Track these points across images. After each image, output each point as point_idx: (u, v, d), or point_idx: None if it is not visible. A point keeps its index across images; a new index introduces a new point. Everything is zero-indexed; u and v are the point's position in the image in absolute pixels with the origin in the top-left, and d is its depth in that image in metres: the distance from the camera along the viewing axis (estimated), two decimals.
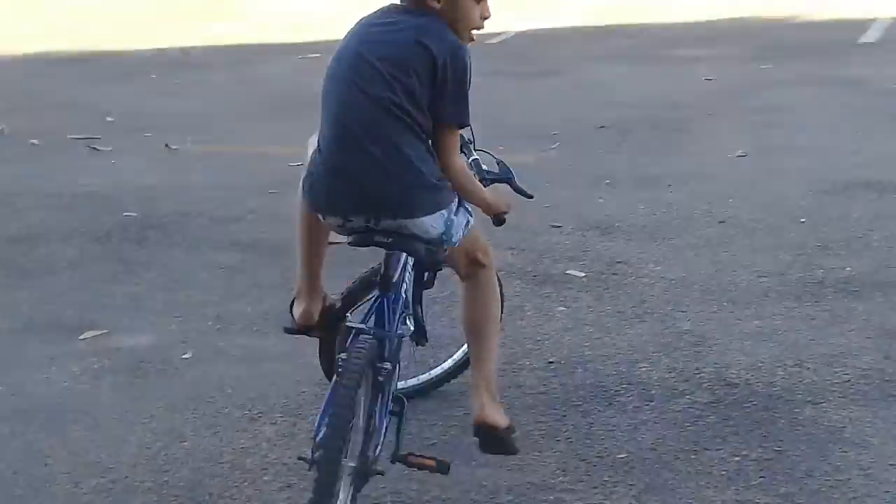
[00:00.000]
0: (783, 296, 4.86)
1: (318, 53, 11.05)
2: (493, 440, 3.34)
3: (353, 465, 3.03)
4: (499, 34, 11.87)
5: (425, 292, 3.58)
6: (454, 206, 3.16)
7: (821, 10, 12.40)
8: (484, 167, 3.45)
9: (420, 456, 3.27)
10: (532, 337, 4.54)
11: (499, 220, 3.38)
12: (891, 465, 3.50)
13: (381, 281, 3.22)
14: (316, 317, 3.47)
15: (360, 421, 3.05)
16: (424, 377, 4.00)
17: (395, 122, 3.05)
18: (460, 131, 3.24)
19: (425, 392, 3.98)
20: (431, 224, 3.11)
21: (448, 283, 3.91)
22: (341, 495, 2.99)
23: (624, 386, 4.08)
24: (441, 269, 3.51)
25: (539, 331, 4.61)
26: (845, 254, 5.29)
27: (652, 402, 3.96)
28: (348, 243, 3.21)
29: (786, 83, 8.96)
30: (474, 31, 3.20)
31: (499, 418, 3.33)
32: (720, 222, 5.83)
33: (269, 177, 6.77)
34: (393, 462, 3.25)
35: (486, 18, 3.20)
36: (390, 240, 3.12)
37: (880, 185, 6.26)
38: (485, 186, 3.36)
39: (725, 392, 4.01)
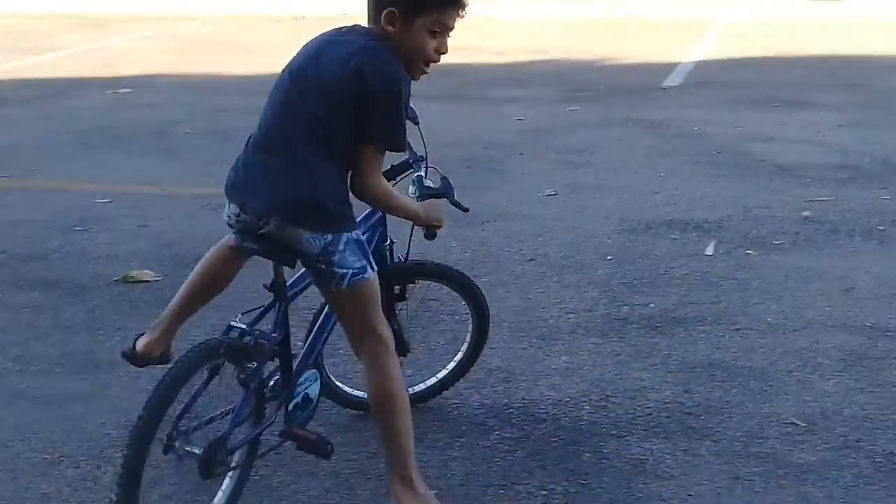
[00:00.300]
0: (590, 332, 4.97)
1: (129, 89, 10.88)
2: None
3: (195, 451, 3.12)
4: None
5: None
6: (345, 238, 3.21)
7: (627, 54, 12.80)
8: (427, 182, 3.67)
9: (305, 432, 3.45)
10: (346, 376, 4.53)
11: (430, 233, 3.57)
12: (689, 495, 3.61)
13: (273, 286, 3.34)
14: (156, 355, 3.49)
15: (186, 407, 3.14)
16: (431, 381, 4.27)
17: (314, 138, 3.15)
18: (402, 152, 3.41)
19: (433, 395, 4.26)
20: (309, 241, 3.18)
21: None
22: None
23: (435, 423, 4.11)
24: (413, 283, 3.91)
25: (352, 370, 4.60)
26: (649, 290, 5.46)
27: (462, 438, 4.00)
28: (230, 246, 3.37)
29: (593, 124, 9.21)
30: (431, 64, 3.24)
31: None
32: (530, 260, 5.94)
33: (75, 213, 6.61)
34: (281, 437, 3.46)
35: (441, 53, 3.23)
36: (263, 246, 3.25)
37: (681, 224, 6.48)
38: (422, 201, 3.55)
39: (534, 427, 4.08)
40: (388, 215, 3.64)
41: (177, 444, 3.10)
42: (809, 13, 15.42)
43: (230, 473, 3.34)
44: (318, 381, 3.58)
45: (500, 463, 3.82)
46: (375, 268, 3.32)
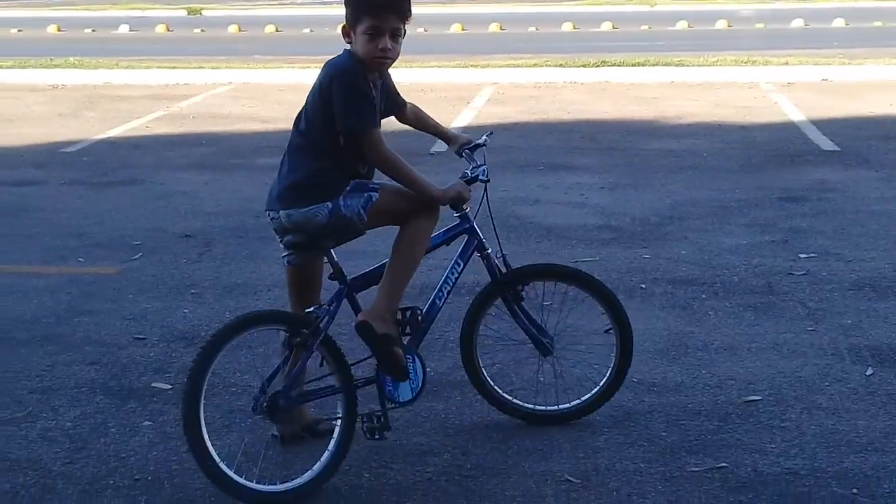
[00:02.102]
0: (368, 398, 4.96)
1: None
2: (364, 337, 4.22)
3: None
4: (77, 142, 11.60)
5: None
6: (341, 200, 4.11)
7: (394, 120, 12.96)
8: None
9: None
10: (117, 454, 4.43)
11: (455, 206, 4.37)
12: None
13: (333, 276, 4.25)
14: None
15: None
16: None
17: (298, 138, 4.18)
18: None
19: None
20: (307, 216, 4.11)
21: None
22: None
23: (211, 499, 4.03)
24: (526, 285, 4.57)
25: (124, 447, 4.49)
26: (425, 355, 5.45)
27: None
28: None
29: None
30: (378, 59, 4.11)
31: (376, 325, 4.18)
32: None
33: None
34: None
35: (382, 49, 4.08)
36: (295, 248, 4.25)
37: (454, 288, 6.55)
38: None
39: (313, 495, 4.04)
40: (477, 230, 4.47)
41: (264, 404, 4.03)
42: (567, 76, 15.99)
43: (337, 426, 4.20)
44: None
45: None
46: (377, 186, 4.17)
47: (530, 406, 4.75)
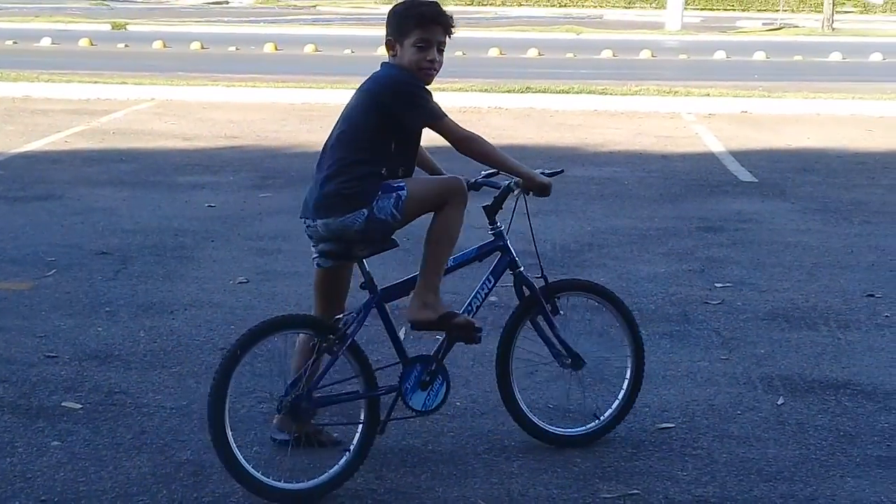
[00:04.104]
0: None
1: None
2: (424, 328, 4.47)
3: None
4: None
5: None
6: (374, 204, 4.26)
7: (319, 140, 12.91)
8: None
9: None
10: (23, 474, 4.35)
11: (543, 191, 4.46)
12: None
13: (364, 285, 4.38)
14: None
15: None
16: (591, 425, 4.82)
17: (335, 151, 4.34)
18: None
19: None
20: (345, 224, 4.26)
21: None
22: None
23: None
24: (558, 298, 4.71)
25: (30, 467, 4.41)
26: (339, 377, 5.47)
27: None
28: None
29: (285, 210, 9.22)
30: (426, 70, 4.34)
31: (425, 314, 4.38)
32: (221, 349, 5.84)
33: None
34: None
35: (430, 60, 4.33)
36: (329, 255, 4.36)
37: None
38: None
39: None
40: (510, 248, 4.64)
41: (287, 405, 4.22)
42: (492, 101, 16.08)
43: (358, 429, 4.33)
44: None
45: None
46: (403, 183, 4.31)
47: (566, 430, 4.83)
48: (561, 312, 4.75)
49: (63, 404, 5.08)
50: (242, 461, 4.14)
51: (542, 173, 4.53)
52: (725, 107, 15.98)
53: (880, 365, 5.85)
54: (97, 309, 6.50)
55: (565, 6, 48.95)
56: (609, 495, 4.33)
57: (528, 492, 4.34)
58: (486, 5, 49.15)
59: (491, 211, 4.62)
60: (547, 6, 48.71)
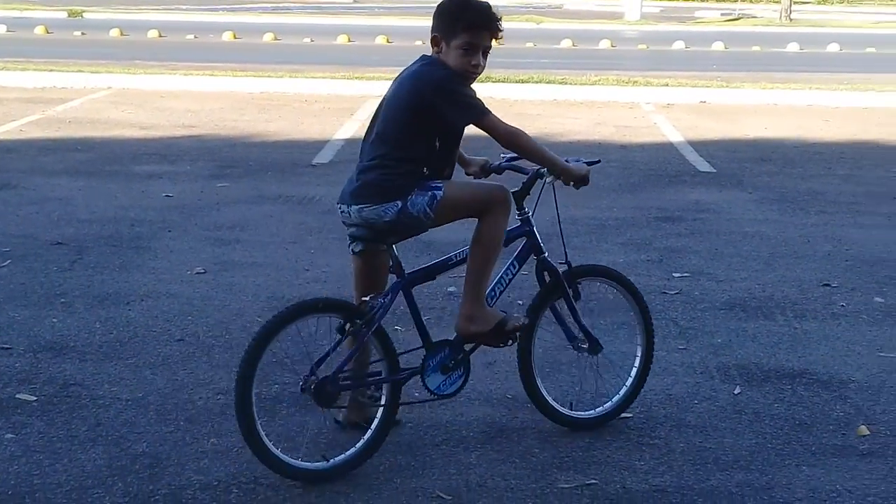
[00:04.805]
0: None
1: None
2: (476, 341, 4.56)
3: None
4: None
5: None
6: (409, 198, 4.31)
7: (278, 130, 12.87)
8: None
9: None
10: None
11: (581, 181, 4.54)
12: None
13: (391, 269, 4.46)
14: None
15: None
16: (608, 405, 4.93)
17: (378, 143, 4.36)
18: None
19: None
20: (377, 213, 4.32)
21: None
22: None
23: None
24: (579, 283, 4.81)
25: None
26: (300, 369, 5.43)
27: None
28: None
29: (244, 200, 9.19)
30: (469, 73, 4.36)
31: (475, 327, 4.49)
32: (178, 340, 5.83)
33: None
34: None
35: (475, 65, 4.35)
36: (361, 240, 4.46)
37: None
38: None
39: None
40: (536, 234, 4.72)
41: (312, 386, 4.26)
42: None
43: (379, 411, 4.42)
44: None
45: None
46: (442, 184, 4.36)
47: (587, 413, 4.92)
48: (581, 297, 4.84)
49: (17, 396, 5.03)
50: (266, 441, 4.22)
51: (582, 161, 4.62)
52: (684, 97, 16.04)
53: (836, 354, 5.89)
54: (52, 300, 6.44)
55: None
56: (567, 485, 4.34)
57: (487, 482, 4.34)
58: None
59: (519, 196, 4.69)
60: None
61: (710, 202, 9.48)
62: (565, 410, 4.89)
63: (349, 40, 25.64)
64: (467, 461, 4.53)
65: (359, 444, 4.40)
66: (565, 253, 4.80)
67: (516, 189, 4.67)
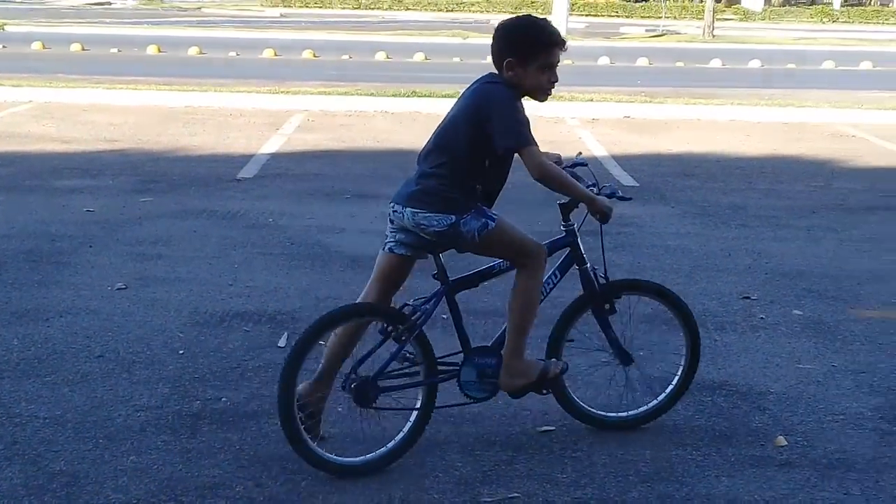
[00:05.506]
0: (160, 429, 4.87)
1: None
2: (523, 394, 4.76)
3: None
4: None
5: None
6: (466, 216, 4.44)
7: (201, 144, 12.79)
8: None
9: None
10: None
11: (603, 218, 4.63)
12: None
13: (436, 275, 4.59)
14: None
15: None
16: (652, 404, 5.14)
17: (439, 153, 4.50)
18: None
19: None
20: (430, 221, 4.44)
21: None
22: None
23: None
24: (618, 298, 4.99)
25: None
26: (221, 384, 5.42)
27: None
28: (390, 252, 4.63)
29: (167, 215, 9.10)
30: (548, 89, 4.59)
31: (520, 382, 4.69)
32: (98, 356, 5.76)
33: None
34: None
35: (553, 81, 4.56)
36: (408, 246, 4.55)
37: (255, 316, 6.51)
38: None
39: None
40: (580, 246, 4.83)
41: (353, 385, 4.44)
42: (378, 105, 16.07)
43: (413, 414, 4.61)
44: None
45: None
46: (496, 217, 4.49)
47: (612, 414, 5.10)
48: (617, 312, 5.00)
49: None
50: (306, 437, 4.43)
51: (617, 194, 4.81)
52: (609, 112, 16.20)
53: (755, 366, 5.97)
54: None
55: (452, 11, 49.18)
56: (490, 499, 4.35)
57: (410, 497, 4.34)
58: (372, 9, 49.11)
59: (566, 209, 4.80)
60: (434, 10, 48.88)
61: (633, 216, 9.56)
62: (599, 411, 5.09)
63: (275, 54, 25.54)
64: (389, 476, 4.52)
65: (393, 442, 4.58)
66: (605, 268, 4.93)
67: (564, 202, 4.79)
